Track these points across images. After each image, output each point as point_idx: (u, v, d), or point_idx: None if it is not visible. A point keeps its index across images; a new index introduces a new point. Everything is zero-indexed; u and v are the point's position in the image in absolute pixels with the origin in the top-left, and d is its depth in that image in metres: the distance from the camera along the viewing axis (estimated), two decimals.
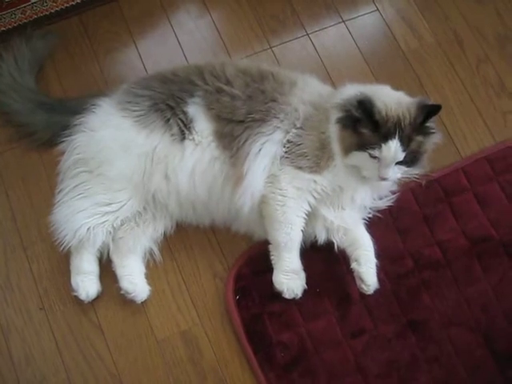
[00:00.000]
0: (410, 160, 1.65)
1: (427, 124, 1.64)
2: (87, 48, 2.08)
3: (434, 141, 1.70)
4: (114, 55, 2.08)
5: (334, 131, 1.68)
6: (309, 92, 1.77)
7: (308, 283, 1.77)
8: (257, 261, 1.82)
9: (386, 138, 1.60)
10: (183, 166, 1.74)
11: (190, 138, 1.74)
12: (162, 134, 1.74)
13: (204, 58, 2.01)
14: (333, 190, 1.73)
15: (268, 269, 1.78)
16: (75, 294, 1.79)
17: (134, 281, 1.81)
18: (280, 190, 1.72)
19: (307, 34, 2.10)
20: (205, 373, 1.76)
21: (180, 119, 1.75)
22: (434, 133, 1.68)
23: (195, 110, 1.75)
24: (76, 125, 1.83)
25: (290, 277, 1.76)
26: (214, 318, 1.81)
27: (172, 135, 1.74)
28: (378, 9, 2.14)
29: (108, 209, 1.78)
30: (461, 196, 1.92)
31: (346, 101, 1.67)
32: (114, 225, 1.80)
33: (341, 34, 2.10)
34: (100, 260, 1.83)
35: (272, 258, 1.78)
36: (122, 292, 1.79)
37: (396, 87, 1.94)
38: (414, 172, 1.76)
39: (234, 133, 1.72)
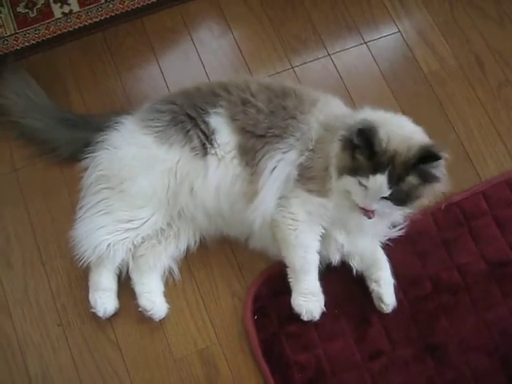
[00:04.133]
0: (398, 198, 1.59)
1: (428, 169, 1.56)
2: (110, 65, 2.09)
3: (435, 189, 1.62)
4: (136, 72, 2.09)
5: (334, 150, 1.65)
6: (326, 113, 1.75)
7: (326, 305, 1.76)
8: (275, 281, 1.82)
9: (375, 170, 1.56)
10: (208, 185, 1.74)
11: (212, 152, 1.73)
12: (182, 147, 1.74)
13: (226, 76, 2.00)
14: (340, 214, 1.71)
15: (286, 289, 1.77)
16: (93, 310, 1.79)
17: (153, 299, 1.80)
18: (291, 213, 1.71)
19: (329, 55, 2.11)
20: None
21: (201, 130, 1.74)
22: (435, 181, 1.59)
23: (218, 121, 1.74)
24: (99, 142, 1.83)
25: (308, 299, 1.75)
26: (231, 337, 1.81)
27: (193, 149, 1.74)
28: (399, 30, 2.15)
29: (129, 226, 1.78)
30: (480, 220, 1.91)
31: (352, 125, 1.62)
32: (135, 242, 1.80)
33: (362, 55, 2.11)
34: (119, 277, 1.83)
35: (290, 280, 1.77)
36: (140, 309, 1.79)
37: (416, 109, 1.99)
38: (405, 211, 1.72)
39: (255, 147, 1.72)
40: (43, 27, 2.07)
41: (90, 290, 1.81)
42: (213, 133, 1.74)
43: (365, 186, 1.58)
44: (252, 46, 2.11)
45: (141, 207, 1.78)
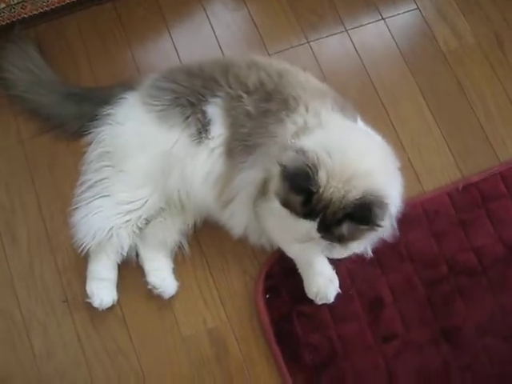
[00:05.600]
0: (331, 240, 1.46)
1: (359, 226, 1.42)
2: (120, 35, 2.02)
3: (379, 234, 1.54)
4: (147, 43, 2.03)
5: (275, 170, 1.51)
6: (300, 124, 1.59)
7: (340, 285, 1.71)
8: (288, 259, 1.76)
9: (306, 215, 1.43)
10: (196, 173, 1.69)
11: (206, 142, 1.68)
12: (181, 130, 1.69)
13: (239, 50, 1.97)
14: None
15: None
16: (88, 300, 1.72)
17: (162, 275, 1.76)
18: (264, 225, 1.66)
19: (346, 30, 2.05)
20: (231, 372, 1.72)
21: (199, 119, 1.69)
22: (370, 231, 1.45)
23: (214, 111, 1.68)
24: (103, 116, 1.79)
25: (320, 283, 1.70)
26: (242, 316, 1.76)
27: (190, 135, 1.69)
28: (418, 7, 2.10)
29: (130, 207, 1.73)
30: (498, 202, 1.87)
31: (289, 159, 1.44)
32: (139, 224, 1.75)
33: (380, 31, 2.06)
34: (124, 262, 1.76)
35: (298, 267, 1.73)
36: (149, 287, 1.74)
37: (434, 88, 1.97)
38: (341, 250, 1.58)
39: (235, 152, 1.65)
40: None
41: (88, 279, 1.75)
42: (208, 123, 1.69)
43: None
44: (267, 20, 2.06)
45: (140, 187, 1.73)
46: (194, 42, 2.03)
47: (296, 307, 1.75)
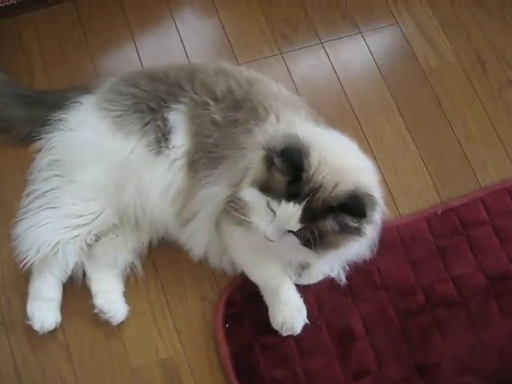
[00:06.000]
0: (307, 238, 1.31)
1: (349, 221, 1.30)
2: (79, 37, 1.89)
3: (356, 245, 1.39)
4: (108, 47, 1.90)
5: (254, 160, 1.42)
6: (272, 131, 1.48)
7: (308, 315, 1.56)
8: (251, 285, 1.60)
9: (291, 196, 1.29)
10: (154, 187, 1.55)
11: (166, 152, 1.54)
12: (138, 139, 1.55)
13: (207, 58, 1.86)
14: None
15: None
16: (29, 322, 1.55)
17: (111, 298, 1.60)
18: (227, 246, 1.55)
19: (321, 43, 1.95)
20: None
21: (159, 126, 1.55)
22: (356, 234, 1.34)
23: (177, 119, 1.55)
24: (56, 121, 1.64)
25: (286, 313, 1.54)
26: (198, 346, 1.61)
27: (148, 145, 1.55)
28: (397, 23, 2.01)
29: (79, 221, 1.58)
30: (479, 229, 1.76)
31: (278, 138, 1.36)
32: (88, 240, 1.59)
33: (357, 45, 1.96)
34: (71, 277, 1.60)
35: (262, 295, 1.57)
36: (95, 311, 1.58)
37: (413, 106, 1.87)
38: (310, 254, 1.36)
39: (198, 164, 1.52)
40: None
41: (29, 298, 1.58)
42: (169, 131, 1.55)
43: (273, 211, 1.33)
44: (238, 28, 1.95)
45: (91, 200, 1.58)
46: (159, 48, 1.91)
47: (259, 338, 1.60)
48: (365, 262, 1.62)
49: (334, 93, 1.85)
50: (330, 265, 1.58)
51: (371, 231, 1.39)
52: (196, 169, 1.53)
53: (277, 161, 1.30)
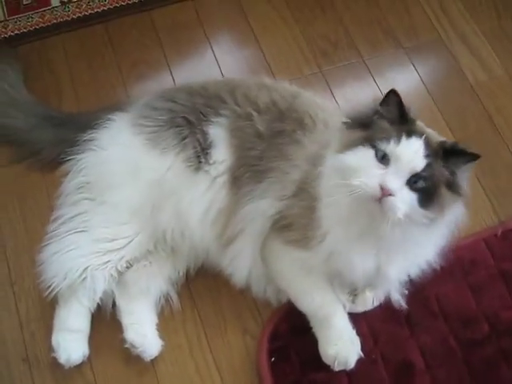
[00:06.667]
0: (425, 190, 1.19)
1: (459, 170, 1.22)
2: (110, 59, 1.84)
3: (456, 205, 1.27)
4: (140, 68, 1.84)
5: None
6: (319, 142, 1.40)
7: (362, 348, 1.41)
8: (298, 316, 1.46)
9: (410, 133, 1.19)
10: (194, 206, 1.44)
11: (206, 168, 1.44)
12: (176, 155, 1.46)
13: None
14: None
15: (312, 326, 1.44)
16: (54, 355, 1.42)
17: (143, 332, 1.47)
18: (274, 270, 1.44)
19: (362, 59, 1.87)
20: None
21: (198, 140, 1.46)
22: (460, 191, 1.24)
23: (218, 133, 1.46)
24: (85, 141, 1.55)
25: (339, 345, 1.39)
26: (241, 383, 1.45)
27: (186, 160, 1.45)
28: (441, 37, 1.92)
29: (110, 246, 1.47)
30: None
31: (361, 107, 1.28)
32: (119, 267, 1.48)
33: (400, 61, 1.88)
34: (98, 310, 1.48)
35: (312, 326, 1.43)
36: (126, 345, 1.45)
37: (463, 123, 1.76)
38: (421, 218, 1.21)
39: (242, 179, 1.42)
40: (37, 15, 1.83)
41: (54, 329, 1.46)
42: (210, 146, 1.46)
43: (387, 159, 1.18)
44: (276, 47, 1.88)
45: (124, 223, 1.48)
46: (193, 68, 1.85)
47: (308, 374, 1.45)
48: (421, 288, 1.50)
49: None
50: (407, 267, 1.41)
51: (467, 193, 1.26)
52: (239, 185, 1.43)
53: (381, 109, 1.23)
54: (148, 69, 1.85)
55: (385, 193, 1.16)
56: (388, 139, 1.18)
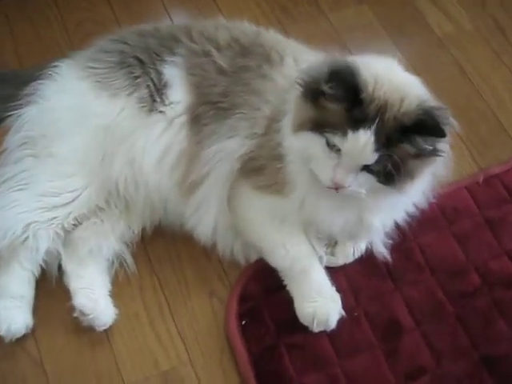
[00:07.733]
0: (385, 172, 1.12)
1: (426, 142, 1.12)
2: (55, 19, 1.73)
3: (432, 169, 1.19)
4: (87, 26, 1.74)
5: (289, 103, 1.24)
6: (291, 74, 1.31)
7: (342, 306, 1.31)
8: (270, 273, 1.34)
9: (357, 123, 1.09)
10: (150, 151, 1.33)
11: (161, 109, 1.34)
12: (127, 96, 1.35)
13: None
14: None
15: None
16: None
17: (94, 297, 1.32)
18: (243, 219, 1.34)
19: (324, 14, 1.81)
20: None
21: (152, 80, 1.35)
22: (434, 154, 1.14)
23: (173, 72, 1.36)
24: (28, 94, 1.41)
25: (318, 302, 1.28)
26: (209, 352, 1.32)
27: (139, 101, 1.34)
28: None
29: (56, 200, 1.35)
30: None
31: (316, 66, 1.18)
32: (66, 224, 1.34)
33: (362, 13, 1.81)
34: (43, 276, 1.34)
35: (285, 284, 1.32)
36: (75, 314, 1.31)
37: (433, 73, 1.66)
38: (389, 195, 1.17)
39: (203, 119, 1.32)
40: None
41: None
42: (165, 86, 1.36)
43: (337, 150, 1.12)
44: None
45: (72, 175, 1.36)
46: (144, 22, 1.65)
47: (284, 337, 1.31)
48: (403, 239, 1.40)
49: None
50: (390, 216, 1.30)
51: (446, 147, 1.15)
52: (201, 124, 1.32)
53: (326, 88, 1.10)
54: (96, 26, 1.74)
55: (338, 186, 1.13)
56: (336, 131, 1.09)
